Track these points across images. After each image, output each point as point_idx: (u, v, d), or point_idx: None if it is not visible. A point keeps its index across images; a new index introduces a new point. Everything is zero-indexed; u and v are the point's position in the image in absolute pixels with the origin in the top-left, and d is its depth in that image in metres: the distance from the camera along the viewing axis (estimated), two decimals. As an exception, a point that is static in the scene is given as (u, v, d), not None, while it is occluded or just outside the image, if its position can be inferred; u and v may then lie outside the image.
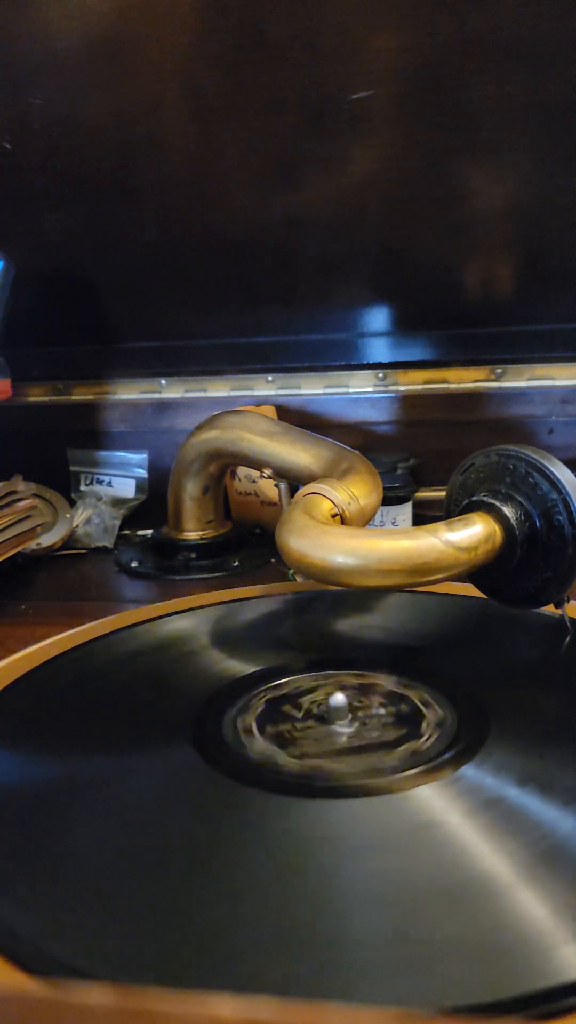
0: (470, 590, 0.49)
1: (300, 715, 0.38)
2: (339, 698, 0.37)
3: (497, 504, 0.43)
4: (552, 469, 0.42)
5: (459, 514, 0.44)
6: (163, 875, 0.28)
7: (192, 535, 0.67)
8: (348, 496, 0.49)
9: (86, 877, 0.28)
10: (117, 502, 0.79)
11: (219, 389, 0.82)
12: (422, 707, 0.38)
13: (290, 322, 0.80)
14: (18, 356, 0.75)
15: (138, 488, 0.81)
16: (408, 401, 0.78)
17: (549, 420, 0.76)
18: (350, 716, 0.37)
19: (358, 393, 0.79)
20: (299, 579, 0.58)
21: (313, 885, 0.27)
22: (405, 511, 0.69)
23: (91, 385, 0.84)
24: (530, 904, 0.26)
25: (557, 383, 0.76)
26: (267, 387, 0.81)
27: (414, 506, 0.70)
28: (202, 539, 0.67)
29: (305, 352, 0.80)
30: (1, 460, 0.78)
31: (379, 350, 0.79)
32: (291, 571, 0.58)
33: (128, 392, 0.84)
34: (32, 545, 0.66)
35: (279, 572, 0.63)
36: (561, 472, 0.42)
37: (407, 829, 0.30)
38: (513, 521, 0.42)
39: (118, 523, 0.74)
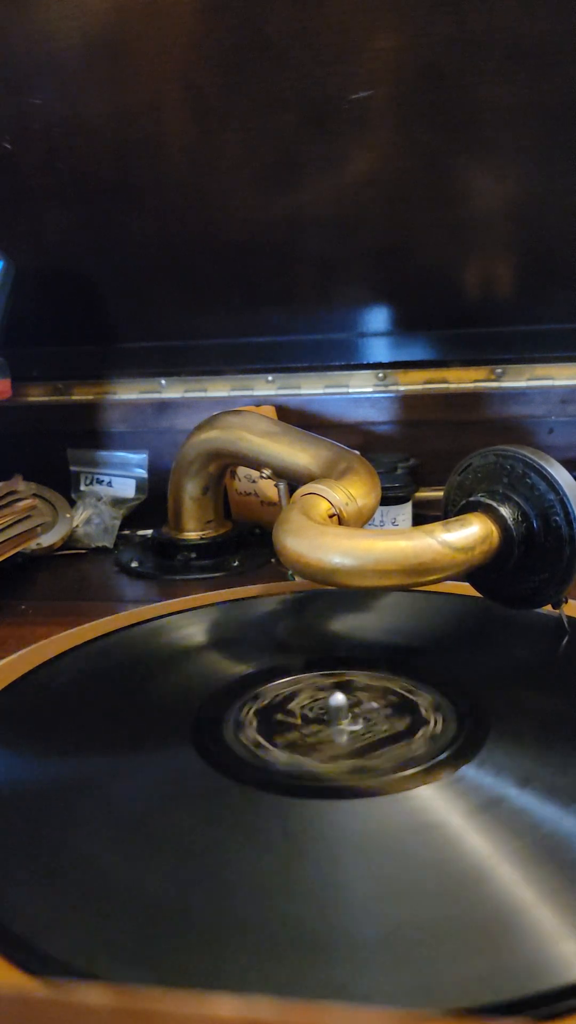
0: (470, 590, 0.49)
1: (299, 715, 0.38)
2: (339, 698, 0.37)
3: (494, 505, 0.43)
4: (549, 470, 0.42)
5: (456, 514, 0.44)
6: (163, 875, 0.28)
7: (192, 535, 0.67)
8: (346, 496, 0.49)
9: (86, 877, 0.28)
10: (117, 502, 0.79)
11: (219, 389, 0.82)
12: (422, 707, 0.38)
13: (290, 322, 0.80)
14: (18, 356, 0.75)
15: (138, 488, 0.81)
16: (408, 401, 0.78)
17: (549, 420, 0.76)
18: (350, 716, 0.37)
19: (358, 393, 0.79)
20: (298, 579, 0.58)
21: (313, 885, 0.27)
22: (405, 511, 0.69)
23: (91, 385, 0.84)
24: (530, 904, 0.26)
25: (557, 383, 0.76)
26: (267, 387, 0.81)
27: (414, 506, 0.70)
28: (202, 539, 0.67)
29: (305, 352, 0.80)
30: (1, 460, 0.78)
31: (379, 350, 0.79)
32: (290, 571, 0.58)
33: (128, 392, 0.84)
34: (32, 545, 0.66)
35: (279, 572, 0.63)
36: (558, 473, 0.42)
37: (407, 829, 0.30)
38: (510, 522, 0.42)
39: (118, 523, 0.74)
